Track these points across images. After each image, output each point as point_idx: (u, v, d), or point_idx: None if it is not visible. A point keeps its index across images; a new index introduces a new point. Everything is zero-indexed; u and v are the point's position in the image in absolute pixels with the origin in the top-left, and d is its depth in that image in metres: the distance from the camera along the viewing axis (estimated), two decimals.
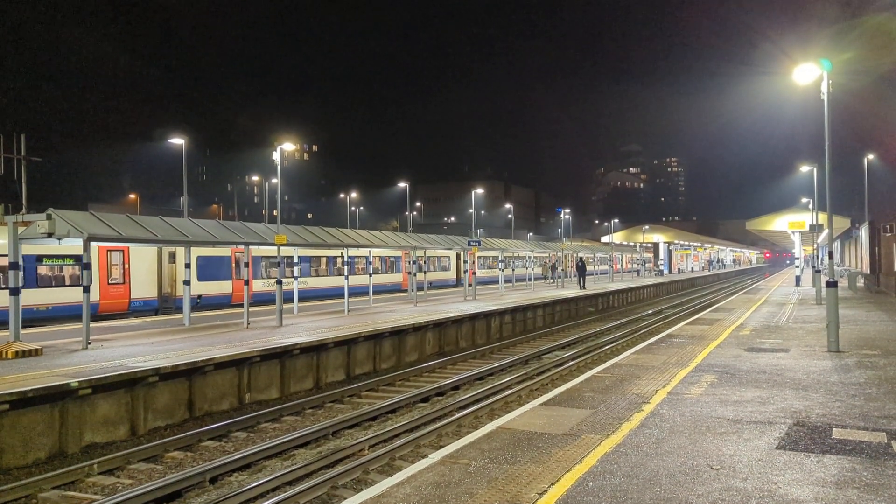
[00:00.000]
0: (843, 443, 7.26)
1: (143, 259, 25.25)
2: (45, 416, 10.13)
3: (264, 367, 14.03)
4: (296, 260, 25.46)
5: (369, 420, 12.19)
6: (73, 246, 22.12)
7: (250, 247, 19.63)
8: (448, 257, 45.31)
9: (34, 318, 21.10)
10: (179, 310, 26.34)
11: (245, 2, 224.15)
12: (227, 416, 12.54)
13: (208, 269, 27.91)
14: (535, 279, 46.87)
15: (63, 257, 22.94)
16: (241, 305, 27.57)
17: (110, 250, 24.13)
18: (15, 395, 9.54)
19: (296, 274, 25.92)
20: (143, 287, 25.14)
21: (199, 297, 27.77)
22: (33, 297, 21.18)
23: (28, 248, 20.47)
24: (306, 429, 11.19)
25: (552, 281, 46.78)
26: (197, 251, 26.86)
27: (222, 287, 28.44)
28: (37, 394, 9.83)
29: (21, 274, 14.41)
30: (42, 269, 22.26)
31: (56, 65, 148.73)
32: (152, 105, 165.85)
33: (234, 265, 29.00)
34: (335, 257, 34.69)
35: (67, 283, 23.09)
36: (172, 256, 26.50)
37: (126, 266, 24.83)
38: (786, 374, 11.44)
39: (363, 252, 31.18)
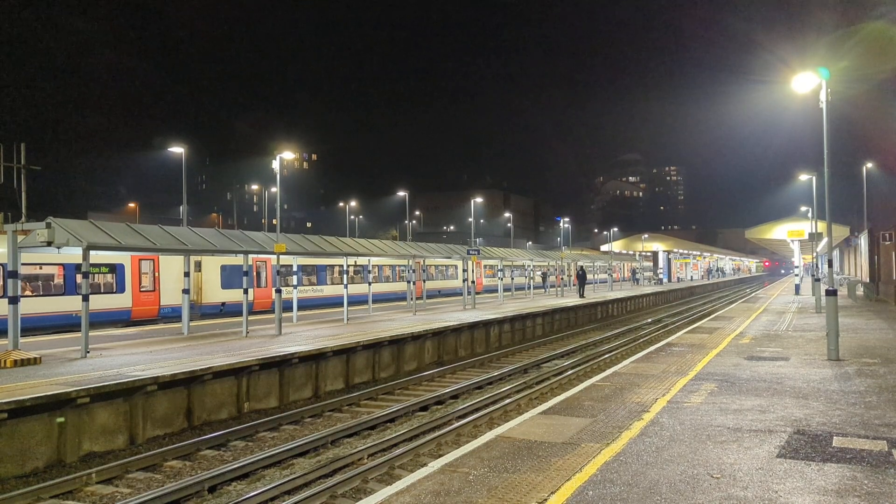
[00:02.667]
0: (843, 451, 7.25)
1: (171, 268, 25.74)
2: (44, 425, 10.10)
3: (263, 376, 14.01)
4: (294, 268, 25.50)
5: (368, 429, 12.15)
6: (110, 256, 22.88)
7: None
8: (455, 266, 45.53)
9: (73, 323, 21.89)
10: (205, 316, 26.98)
11: (245, 11, 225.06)
12: (226, 425, 12.50)
13: (231, 277, 28.26)
14: (535, 288, 46.90)
15: (99, 266, 23.80)
16: (263, 312, 28.08)
17: (142, 259, 24.96)
18: (13, 404, 9.51)
19: (294, 282, 25.96)
20: (172, 294, 25.57)
21: (223, 304, 28.27)
22: (74, 304, 21.70)
23: (68, 258, 21.58)
24: (305, 438, 11.15)
25: (545, 291, 46.64)
26: (221, 260, 27.48)
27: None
28: (35, 403, 9.80)
29: (20, 283, 14.40)
30: (80, 278, 22.82)
31: (56, 74, 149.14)
32: (152, 113, 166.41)
33: (255, 274, 29.33)
34: (360, 267, 35.11)
35: (102, 290, 24.00)
36: (198, 265, 27.24)
37: (156, 274, 25.65)
38: (786, 382, 11.42)
39: (363, 261, 31.26)
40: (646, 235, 78.99)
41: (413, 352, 19.07)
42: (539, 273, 50.50)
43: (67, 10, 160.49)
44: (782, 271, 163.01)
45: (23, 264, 17.53)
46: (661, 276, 70.42)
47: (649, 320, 34.39)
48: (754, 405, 9.62)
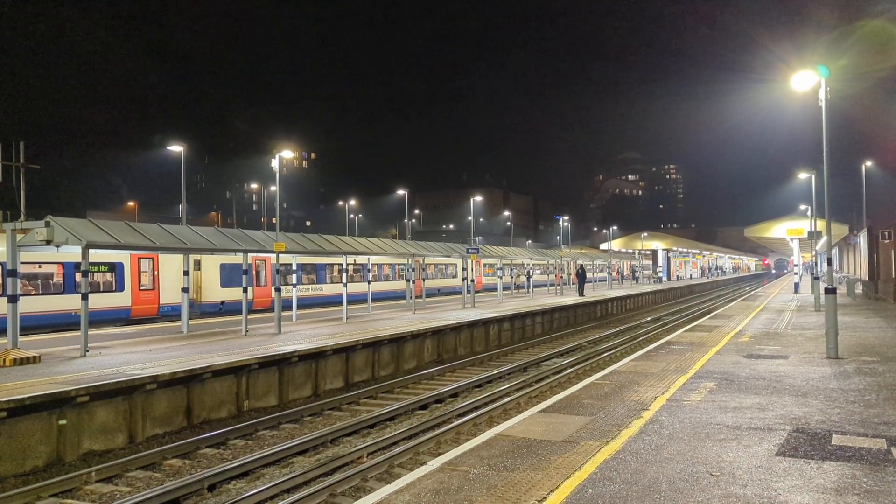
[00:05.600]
0: (842, 449, 7.25)
1: (171, 266, 25.78)
2: (43, 423, 10.10)
3: (262, 375, 14.01)
4: (294, 267, 25.49)
5: (368, 427, 12.16)
6: (109, 254, 23.01)
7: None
8: (455, 265, 45.55)
9: (72, 322, 21.90)
10: (204, 314, 27.01)
11: (245, 10, 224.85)
12: (226, 423, 12.51)
13: (230, 276, 28.31)
14: (536, 287, 46.83)
15: (98, 264, 23.84)
16: (263, 311, 28.10)
17: (141, 258, 25.02)
18: (12, 403, 9.51)
19: (294, 281, 25.95)
20: (171, 293, 25.58)
21: (223, 302, 28.36)
22: (73, 303, 21.67)
23: (67, 257, 21.61)
24: (305, 436, 11.16)
25: (526, 290, 45.89)
26: (220, 259, 27.55)
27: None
28: (34, 401, 9.80)
29: (18, 282, 14.39)
30: (79, 276, 22.92)
31: (55, 72, 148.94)
32: (151, 112, 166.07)
33: (255, 272, 29.40)
34: (360, 265, 35.16)
35: (101, 289, 24.04)
36: (198, 264, 27.39)
37: (155, 273, 25.70)
38: (785, 380, 11.43)
39: (362, 259, 31.27)
40: (645, 234, 78.91)
41: (413, 350, 19.07)
42: (527, 271, 49.39)
43: (67, 8, 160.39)
44: (773, 271, 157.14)
45: (22, 263, 17.58)
46: (660, 274, 70.37)
47: (649, 319, 34.39)
48: (754, 403, 9.63)
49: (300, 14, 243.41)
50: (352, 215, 79.92)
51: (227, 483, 9.20)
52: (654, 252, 74.16)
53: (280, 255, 19.56)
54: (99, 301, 23.01)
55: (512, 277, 44.92)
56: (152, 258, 25.44)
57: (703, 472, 6.55)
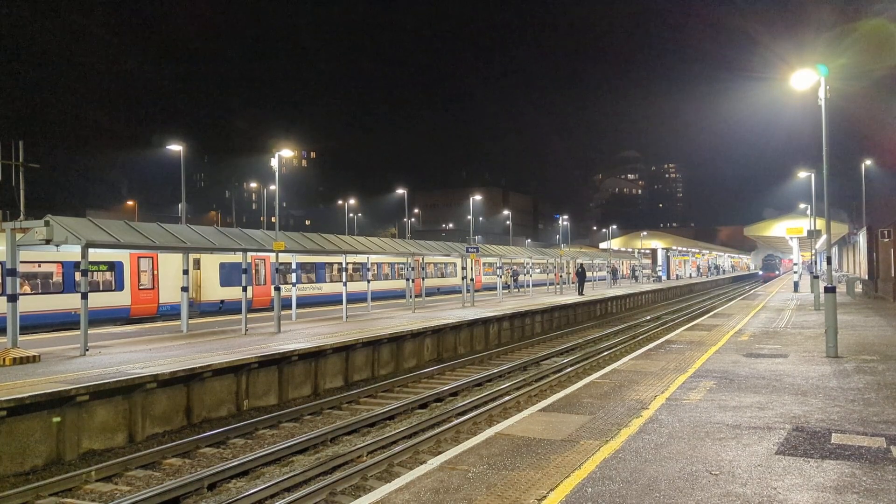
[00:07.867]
0: (842, 448, 7.26)
1: (170, 265, 25.84)
2: (43, 423, 10.10)
3: (262, 374, 14.01)
4: (293, 266, 25.49)
5: (368, 426, 12.17)
6: (108, 254, 23.12)
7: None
8: (454, 264, 45.59)
9: (72, 321, 21.93)
10: (204, 314, 27.09)
11: (244, 9, 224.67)
12: (226, 422, 12.51)
13: (230, 275, 28.38)
14: (535, 286, 46.84)
15: (98, 264, 23.90)
16: (262, 310, 28.13)
17: (140, 257, 25.10)
18: (12, 402, 9.51)
19: (293, 280, 25.95)
20: (171, 292, 25.65)
21: (222, 301, 28.40)
22: (73, 302, 21.63)
23: (67, 256, 21.81)
24: (304, 435, 11.16)
25: (517, 290, 45.47)
26: (219, 258, 27.67)
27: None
28: (34, 400, 9.80)
29: (18, 281, 14.39)
30: (79, 276, 22.97)
31: (54, 71, 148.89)
32: (150, 111, 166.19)
33: (254, 272, 29.52)
34: (359, 264, 35.30)
35: (101, 288, 24.10)
36: (197, 263, 27.52)
37: (155, 272, 25.79)
38: (784, 379, 11.43)
39: (362, 258, 31.27)
40: (644, 233, 78.88)
41: (412, 349, 19.08)
42: (511, 270, 48.63)
43: (66, 7, 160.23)
44: (760, 272, 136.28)
45: (21, 262, 17.57)
46: (659, 273, 70.35)
47: (648, 318, 34.40)
48: (753, 402, 9.63)
49: (300, 13, 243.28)
50: (351, 214, 79.96)
51: (227, 482, 9.20)
52: (654, 251, 74.15)
53: (279, 254, 19.56)
54: (98, 300, 23.03)
55: (512, 277, 44.90)
56: (152, 257, 25.47)
57: (702, 470, 6.56)
